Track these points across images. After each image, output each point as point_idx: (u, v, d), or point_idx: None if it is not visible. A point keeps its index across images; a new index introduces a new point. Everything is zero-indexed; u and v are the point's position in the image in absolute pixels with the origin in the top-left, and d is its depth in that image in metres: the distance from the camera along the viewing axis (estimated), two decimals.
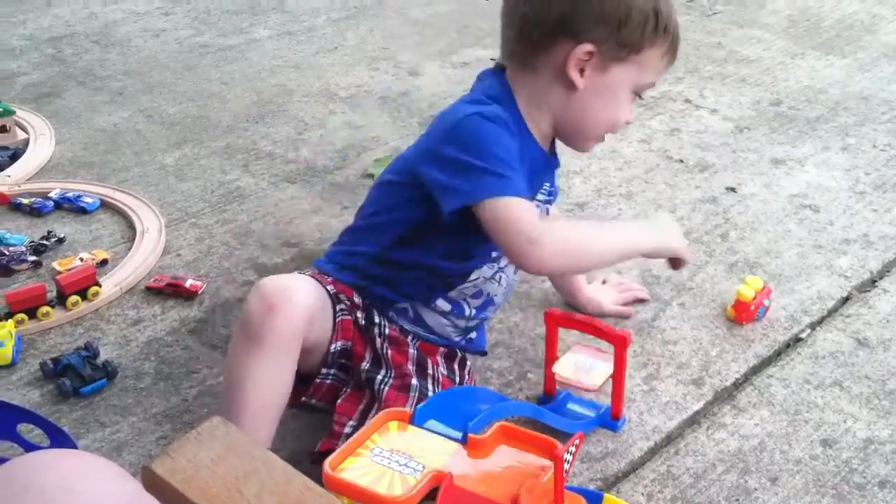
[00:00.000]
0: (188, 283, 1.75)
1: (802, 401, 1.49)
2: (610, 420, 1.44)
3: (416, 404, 1.28)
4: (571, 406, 1.47)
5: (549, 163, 1.47)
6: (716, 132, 2.35)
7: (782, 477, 1.35)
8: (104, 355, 1.58)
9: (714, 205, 2.04)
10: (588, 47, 1.32)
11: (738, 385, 1.53)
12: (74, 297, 1.68)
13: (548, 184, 1.47)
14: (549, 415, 1.39)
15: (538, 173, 1.42)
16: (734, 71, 2.68)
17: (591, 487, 1.32)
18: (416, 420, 1.21)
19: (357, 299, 1.39)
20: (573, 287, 1.69)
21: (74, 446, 1.26)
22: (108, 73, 2.75)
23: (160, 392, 1.52)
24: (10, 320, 1.61)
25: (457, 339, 1.49)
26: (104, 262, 1.83)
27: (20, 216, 2.01)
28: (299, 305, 1.24)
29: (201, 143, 2.29)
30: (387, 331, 1.40)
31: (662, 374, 1.55)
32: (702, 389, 1.52)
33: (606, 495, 1.23)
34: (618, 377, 1.41)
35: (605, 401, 1.46)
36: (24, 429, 1.27)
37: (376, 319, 1.39)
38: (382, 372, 1.35)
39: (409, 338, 1.43)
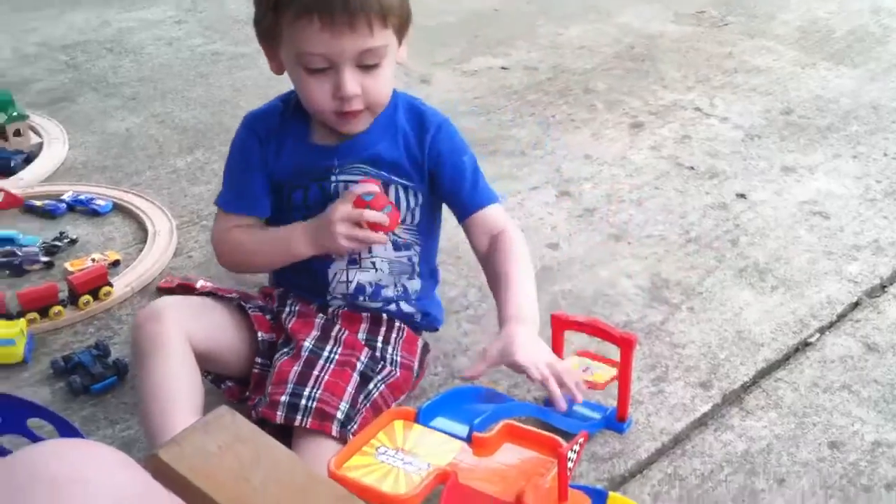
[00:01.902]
0: (199, 284, 1.75)
1: (811, 404, 1.49)
2: (616, 422, 1.44)
3: (305, 365, 1.33)
4: (578, 407, 1.47)
5: (321, 152, 1.43)
6: (726, 140, 2.35)
7: (789, 478, 1.35)
8: (115, 354, 1.59)
9: (724, 211, 2.04)
10: (258, 37, 1.39)
11: (747, 388, 1.53)
12: (86, 297, 1.69)
13: (337, 170, 1.43)
14: (554, 415, 1.39)
15: (309, 162, 1.44)
16: (744, 81, 2.69)
17: (598, 487, 1.31)
18: (421, 419, 1.22)
19: (274, 293, 1.52)
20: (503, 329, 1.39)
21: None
22: (121, 79, 2.77)
23: None
24: (22, 319, 1.62)
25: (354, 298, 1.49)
26: (116, 263, 1.85)
27: (33, 218, 2.03)
28: (163, 315, 1.35)
29: (213, 147, 2.31)
30: (296, 307, 1.48)
31: (671, 377, 1.55)
32: (710, 392, 1.51)
33: (611, 494, 1.23)
34: (624, 379, 1.41)
35: (612, 403, 1.46)
36: (35, 424, 1.27)
37: (288, 300, 1.49)
38: (289, 347, 1.40)
39: (323, 310, 1.48)
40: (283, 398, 1.29)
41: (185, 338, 1.34)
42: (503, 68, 2.81)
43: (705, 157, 2.27)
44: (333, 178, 1.43)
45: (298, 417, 1.28)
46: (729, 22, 3.13)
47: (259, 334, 1.43)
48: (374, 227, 1.39)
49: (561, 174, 2.20)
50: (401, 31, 1.36)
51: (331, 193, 1.43)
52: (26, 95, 2.63)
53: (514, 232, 1.46)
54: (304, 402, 1.29)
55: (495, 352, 1.31)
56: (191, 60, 2.91)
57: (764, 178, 2.17)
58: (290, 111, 1.46)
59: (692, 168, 2.22)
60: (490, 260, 1.45)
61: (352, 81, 1.32)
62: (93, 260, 1.82)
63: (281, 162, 1.44)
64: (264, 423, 1.26)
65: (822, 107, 2.52)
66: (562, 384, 1.28)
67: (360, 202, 1.38)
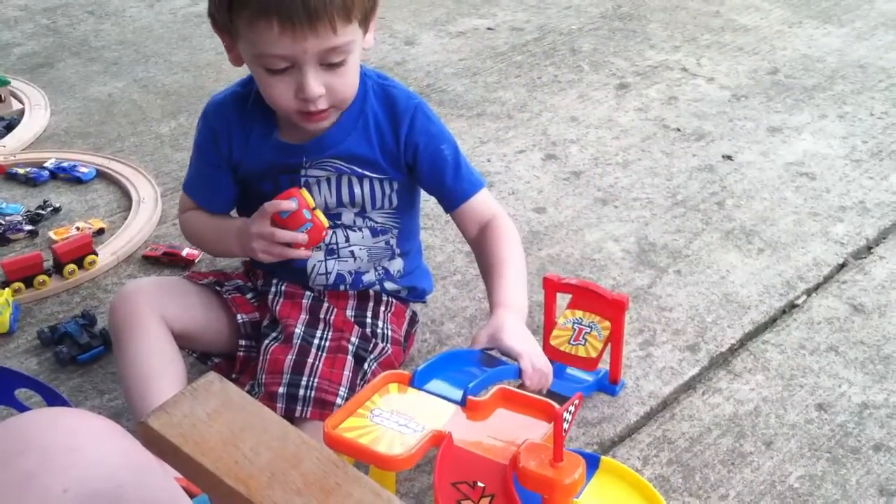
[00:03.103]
0: (185, 252, 1.75)
1: (798, 366, 1.50)
2: (608, 384, 1.44)
3: (298, 353, 1.32)
4: (571, 371, 1.48)
5: (289, 150, 1.39)
6: (713, 101, 2.34)
7: (777, 441, 1.36)
8: (101, 323, 1.58)
9: (711, 173, 2.03)
10: (213, 27, 1.33)
11: (734, 351, 1.54)
12: (71, 266, 1.68)
13: (307, 164, 1.39)
14: None
15: (277, 159, 1.40)
16: (731, 40, 2.67)
17: (589, 451, 1.32)
18: (415, 382, 1.22)
19: (256, 273, 1.50)
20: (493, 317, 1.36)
21: None
22: (103, 43, 2.74)
23: None
24: (7, 289, 1.61)
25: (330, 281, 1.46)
26: (101, 232, 1.83)
27: (16, 186, 2.01)
28: (135, 296, 1.37)
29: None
30: (283, 287, 1.45)
31: (658, 341, 1.55)
32: (697, 355, 1.52)
33: (604, 458, 1.24)
34: (616, 341, 1.41)
35: (603, 366, 1.46)
36: (23, 395, 1.27)
37: (274, 280, 1.46)
38: (276, 330, 1.39)
39: (309, 290, 1.46)
40: (280, 389, 1.28)
41: (159, 317, 1.35)
42: (489, 29, 2.78)
43: (692, 118, 2.26)
44: (304, 171, 1.39)
45: (298, 408, 1.28)
46: None
47: (239, 316, 1.42)
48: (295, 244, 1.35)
49: (547, 137, 2.19)
50: (366, 20, 1.29)
51: (300, 186, 1.38)
52: (7, 60, 2.61)
53: (504, 218, 1.43)
54: (302, 391, 1.28)
55: (484, 337, 1.29)
56: (173, 23, 2.87)
57: (750, 139, 2.17)
58: (252, 101, 1.40)
59: (678, 130, 2.21)
60: (481, 247, 1.42)
61: (315, 82, 1.26)
62: (77, 228, 1.81)
63: (247, 158, 1.40)
64: None
65: (809, 66, 2.51)
66: (543, 386, 1.29)
67: (277, 219, 1.33)
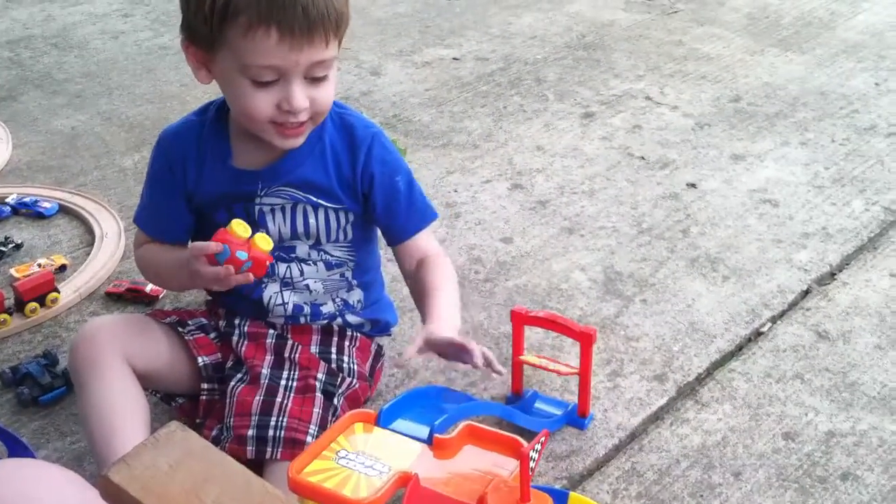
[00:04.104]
0: (148, 289, 1.73)
1: (764, 394, 1.51)
2: (577, 417, 1.44)
3: (266, 393, 1.30)
4: (539, 405, 1.48)
5: (244, 177, 1.37)
6: (676, 129, 2.36)
7: (745, 471, 1.36)
8: (63, 363, 1.56)
9: (675, 201, 2.05)
10: (188, 42, 1.31)
11: (701, 380, 1.54)
12: (33, 304, 1.66)
13: (262, 193, 1.38)
14: (517, 414, 1.39)
15: (232, 187, 1.38)
16: (694, 68, 2.70)
17: (557, 486, 1.32)
18: (381, 421, 1.21)
19: (217, 312, 1.47)
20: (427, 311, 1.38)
21: (33, 456, 1.24)
22: (66, 75, 2.72)
23: None
24: None
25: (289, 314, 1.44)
26: (63, 268, 1.81)
27: None
28: (96, 336, 1.34)
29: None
30: (246, 329, 1.43)
31: (626, 371, 1.56)
32: (665, 385, 1.52)
33: (572, 493, 1.24)
34: (584, 374, 1.41)
35: (572, 399, 1.46)
36: None
37: (236, 321, 1.44)
38: (242, 372, 1.37)
39: (272, 328, 1.44)
40: (249, 432, 1.27)
41: (121, 357, 1.32)
42: (455, 59, 2.79)
43: (656, 146, 2.28)
44: (258, 200, 1.38)
45: (269, 450, 1.26)
46: (679, 9, 3.14)
47: (200, 359, 1.40)
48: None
49: (513, 166, 2.19)
50: (341, 40, 1.31)
51: (255, 216, 1.37)
52: None
53: (444, 257, 1.44)
54: (271, 432, 1.27)
55: (417, 345, 1.27)
56: (137, 55, 2.86)
57: (714, 166, 2.19)
58: (207, 129, 1.40)
59: (643, 158, 2.22)
60: (417, 276, 1.41)
61: (301, 95, 1.27)
62: (39, 265, 1.79)
63: (202, 187, 1.39)
64: None
65: (771, 94, 2.54)
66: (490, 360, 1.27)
67: (213, 260, 1.27)
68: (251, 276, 1.28)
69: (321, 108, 1.31)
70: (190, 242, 1.42)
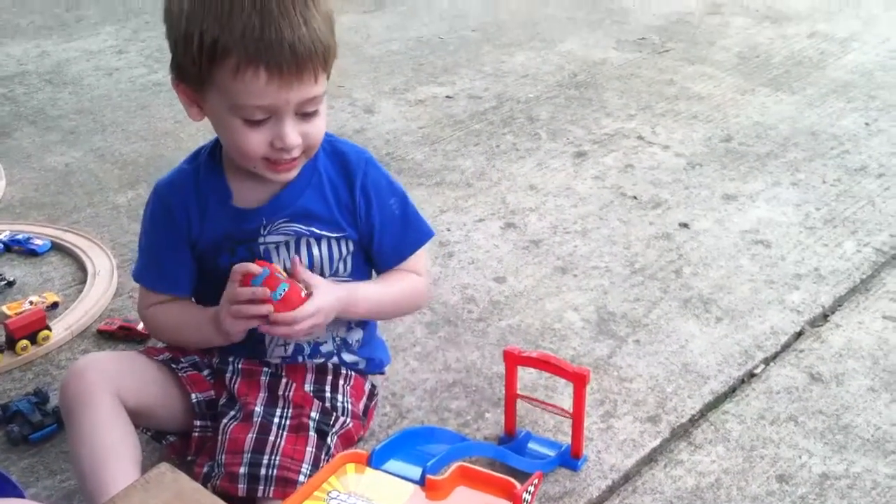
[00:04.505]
0: (140, 326, 1.72)
1: (758, 436, 1.50)
2: (570, 459, 1.43)
3: (259, 431, 1.30)
4: (532, 445, 1.47)
5: (246, 216, 1.38)
6: (668, 168, 2.37)
7: None
8: (54, 401, 1.55)
9: (668, 241, 2.05)
10: (178, 81, 1.31)
11: (694, 421, 1.54)
12: (24, 342, 1.65)
13: (266, 230, 1.38)
14: (510, 455, 1.38)
15: (234, 227, 1.39)
16: (686, 108, 2.72)
17: None
18: (373, 462, 1.20)
19: (211, 351, 1.45)
20: None
21: (22, 495, 1.23)
22: (60, 112, 2.73)
23: None
24: None
25: (288, 354, 1.45)
26: (55, 306, 1.81)
27: None
28: (87, 372, 1.33)
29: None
30: (240, 365, 1.43)
31: (619, 412, 1.55)
32: (658, 426, 1.52)
33: None
34: (577, 415, 1.41)
35: (565, 440, 1.46)
36: None
37: (230, 359, 1.43)
38: (235, 409, 1.37)
39: (266, 366, 1.43)
40: (241, 470, 1.26)
41: (112, 393, 1.31)
42: (448, 97, 2.81)
43: (648, 186, 2.29)
44: (262, 239, 1.38)
45: (261, 488, 1.26)
46: (670, 48, 3.17)
47: (193, 396, 1.39)
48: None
49: (506, 205, 2.20)
50: (330, 71, 1.32)
51: (261, 255, 1.38)
52: None
53: (421, 280, 1.48)
54: (263, 470, 1.26)
55: (306, 274, 1.35)
56: (131, 92, 2.87)
57: (706, 206, 2.20)
58: (203, 173, 1.40)
59: (635, 198, 2.23)
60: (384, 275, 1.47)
61: (293, 132, 1.28)
62: (31, 303, 1.78)
63: (205, 232, 1.39)
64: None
65: (762, 133, 2.56)
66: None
67: (248, 282, 1.31)
68: (278, 317, 1.30)
69: (314, 141, 1.33)
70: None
